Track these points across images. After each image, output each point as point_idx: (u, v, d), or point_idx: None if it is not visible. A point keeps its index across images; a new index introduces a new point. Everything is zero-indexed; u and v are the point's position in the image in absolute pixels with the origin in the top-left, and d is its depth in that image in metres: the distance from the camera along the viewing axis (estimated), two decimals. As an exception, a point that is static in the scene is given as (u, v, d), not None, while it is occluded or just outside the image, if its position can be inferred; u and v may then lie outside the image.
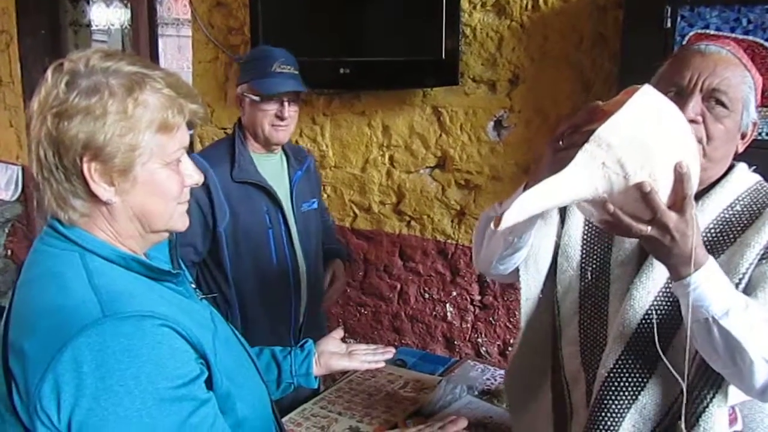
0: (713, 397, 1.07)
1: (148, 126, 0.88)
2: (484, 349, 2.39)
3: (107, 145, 0.85)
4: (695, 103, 1.08)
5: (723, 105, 1.08)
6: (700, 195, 1.11)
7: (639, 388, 1.13)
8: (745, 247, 1.07)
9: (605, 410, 1.16)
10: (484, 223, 1.27)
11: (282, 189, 1.89)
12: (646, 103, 0.95)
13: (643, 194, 0.94)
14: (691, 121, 1.06)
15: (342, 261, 2.14)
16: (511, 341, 2.32)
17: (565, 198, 0.97)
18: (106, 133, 0.85)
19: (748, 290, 1.05)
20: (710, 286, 0.98)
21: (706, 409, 1.07)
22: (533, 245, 1.25)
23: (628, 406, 1.14)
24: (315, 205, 2.00)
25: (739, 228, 1.10)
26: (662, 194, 0.95)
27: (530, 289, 1.29)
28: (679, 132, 0.97)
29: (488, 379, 1.94)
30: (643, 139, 0.93)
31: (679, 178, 0.95)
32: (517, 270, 1.28)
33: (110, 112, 0.85)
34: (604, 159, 0.94)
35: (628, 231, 0.98)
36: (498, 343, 2.36)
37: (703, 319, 0.99)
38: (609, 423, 1.15)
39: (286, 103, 1.80)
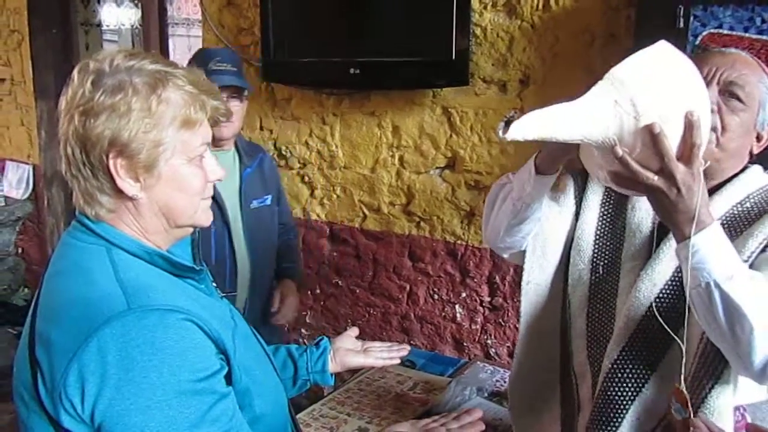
0: (712, 387, 1.06)
1: (172, 122, 0.90)
2: (493, 350, 2.38)
3: (132, 141, 0.88)
4: (711, 93, 1.08)
5: (739, 99, 1.08)
6: (712, 191, 1.12)
7: (643, 380, 1.14)
8: (748, 237, 1.07)
9: (609, 402, 1.16)
10: (495, 192, 1.29)
11: (230, 186, 1.92)
12: (663, 52, 0.97)
13: (652, 136, 0.94)
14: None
15: (294, 282, 2.15)
16: (521, 343, 2.31)
17: (575, 131, 0.97)
18: (131, 130, 0.88)
19: None
20: (714, 249, 0.97)
21: (705, 400, 1.06)
22: (543, 231, 1.27)
23: (632, 398, 1.14)
24: (268, 202, 2.04)
25: (746, 223, 1.10)
26: (671, 144, 0.95)
27: (533, 272, 1.30)
28: (693, 85, 0.97)
29: (498, 380, 1.93)
30: (656, 81, 0.94)
31: (689, 125, 0.95)
32: (524, 252, 1.29)
33: (134, 109, 0.88)
34: (616, 97, 0.95)
35: (636, 180, 0.97)
36: (508, 344, 2.35)
37: (704, 283, 0.97)
38: (612, 415, 1.15)
39: (224, 99, 1.85)
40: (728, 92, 1.09)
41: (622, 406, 1.15)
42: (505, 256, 1.35)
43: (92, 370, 0.80)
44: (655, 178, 0.96)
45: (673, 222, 1.00)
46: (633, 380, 1.14)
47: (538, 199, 1.21)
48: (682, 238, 0.99)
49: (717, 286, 0.96)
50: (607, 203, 1.26)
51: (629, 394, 1.14)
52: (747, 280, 0.96)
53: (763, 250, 1.05)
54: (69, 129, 0.89)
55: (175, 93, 0.91)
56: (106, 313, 0.82)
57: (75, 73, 0.90)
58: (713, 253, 0.97)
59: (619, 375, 1.15)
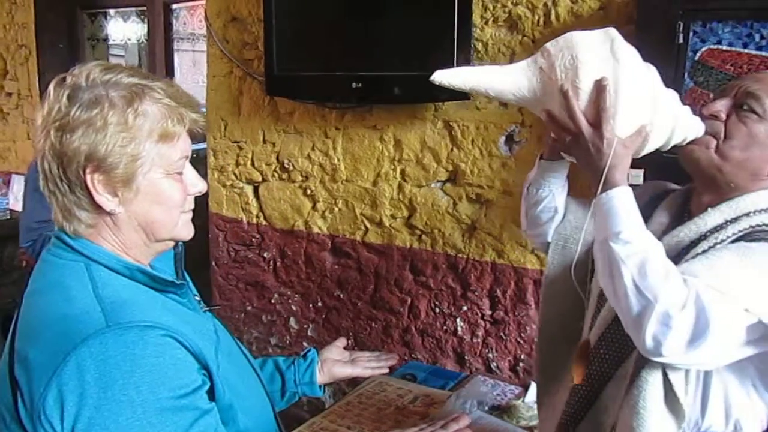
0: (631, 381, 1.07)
1: (149, 135, 0.89)
2: (494, 364, 2.38)
3: (109, 156, 0.87)
4: (721, 102, 1.11)
5: (753, 110, 1.07)
6: (717, 203, 1.11)
7: (605, 380, 1.16)
8: (704, 240, 1.08)
9: (577, 398, 1.21)
10: (526, 182, 1.38)
11: None
12: (602, 34, 1.09)
13: (561, 94, 1.06)
14: (711, 116, 1.11)
15: None
16: (522, 357, 2.31)
17: (505, 89, 1.12)
18: (108, 144, 0.87)
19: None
20: (613, 208, 1.03)
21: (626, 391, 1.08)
22: (565, 229, 1.34)
23: (594, 396, 1.17)
24: None
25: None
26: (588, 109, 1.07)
27: (552, 267, 1.36)
28: (619, 63, 1.06)
29: (498, 394, 1.93)
30: (577, 54, 1.06)
31: (598, 89, 1.04)
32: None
33: (111, 123, 0.87)
34: (542, 64, 1.10)
35: (560, 141, 1.10)
36: (509, 358, 2.35)
37: (599, 240, 1.04)
38: (578, 410, 1.20)
39: None
40: (743, 102, 1.08)
41: (586, 402, 1.18)
42: (538, 246, 1.43)
43: (71, 389, 0.79)
44: (569, 137, 1.08)
45: (592, 180, 1.08)
46: (597, 380, 1.17)
47: (547, 186, 1.30)
48: (595, 196, 1.07)
49: (606, 241, 1.02)
50: None
51: (592, 393, 1.18)
52: (636, 241, 1.00)
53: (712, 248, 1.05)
54: (45, 144, 0.88)
55: (153, 106, 0.89)
56: (84, 330, 0.81)
57: (51, 88, 0.89)
58: (612, 212, 1.03)
59: (587, 373, 1.18)
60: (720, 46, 1.74)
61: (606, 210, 1.04)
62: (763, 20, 1.68)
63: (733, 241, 1.04)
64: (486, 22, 2.20)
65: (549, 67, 1.08)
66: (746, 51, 1.71)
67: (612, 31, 1.09)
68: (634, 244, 1.00)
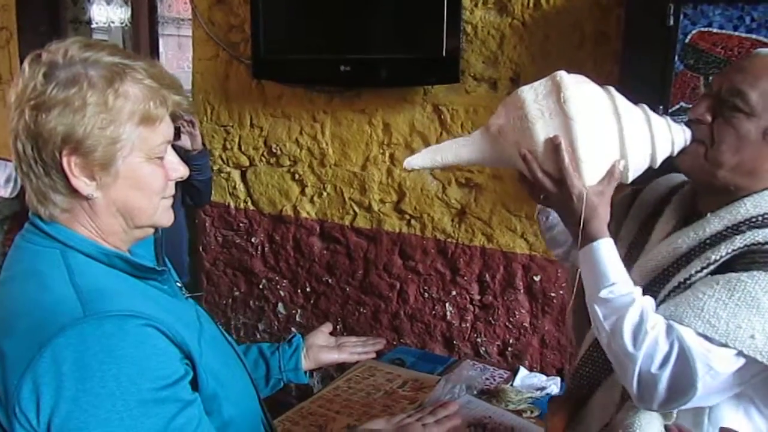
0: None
1: (130, 118, 0.85)
2: (483, 349, 2.38)
3: (87, 138, 0.83)
4: (704, 103, 1.04)
5: (739, 109, 0.99)
6: (722, 204, 1.05)
7: (596, 383, 1.17)
8: (702, 253, 1.03)
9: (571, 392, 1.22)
10: (536, 210, 1.37)
11: None
12: (548, 83, 1.06)
13: (521, 158, 1.05)
14: (697, 120, 1.05)
15: None
16: (511, 341, 2.31)
17: (472, 155, 1.13)
18: (86, 126, 0.83)
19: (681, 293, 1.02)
20: (593, 263, 1.01)
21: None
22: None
23: (585, 399, 1.18)
24: None
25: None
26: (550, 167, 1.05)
27: (574, 279, 1.37)
28: (564, 113, 1.02)
29: (487, 378, 1.94)
30: (526, 114, 1.04)
31: (553, 148, 1.02)
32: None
33: (90, 103, 0.82)
34: (496, 128, 1.09)
35: (533, 196, 1.11)
36: (497, 343, 2.35)
37: (587, 298, 1.03)
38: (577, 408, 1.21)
39: None
40: (727, 101, 1.00)
41: (576, 405, 1.19)
42: (567, 265, 1.42)
43: (47, 381, 0.76)
44: (542, 195, 1.07)
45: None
46: (587, 384, 1.17)
47: (554, 214, 1.26)
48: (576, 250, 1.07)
49: (589, 302, 1.02)
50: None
51: (583, 397, 1.18)
52: (613, 300, 0.98)
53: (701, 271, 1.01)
54: (19, 124, 0.84)
55: (134, 87, 0.85)
56: (60, 320, 0.78)
57: (26, 64, 0.85)
58: (590, 269, 1.02)
59: (579, 374, 1.19)
60: (711, 29, 1.73)
61: (586, 266, 1.03)
62: (754, 3, 1.67)
63: (724, 263, 0.99)
64: (476, 5, 2.17)
65: (503, 130, 1.08)
66: (737, 34, 1.70)
67: (558, 77, 1.05)
68: (612, 304, 0.98)
